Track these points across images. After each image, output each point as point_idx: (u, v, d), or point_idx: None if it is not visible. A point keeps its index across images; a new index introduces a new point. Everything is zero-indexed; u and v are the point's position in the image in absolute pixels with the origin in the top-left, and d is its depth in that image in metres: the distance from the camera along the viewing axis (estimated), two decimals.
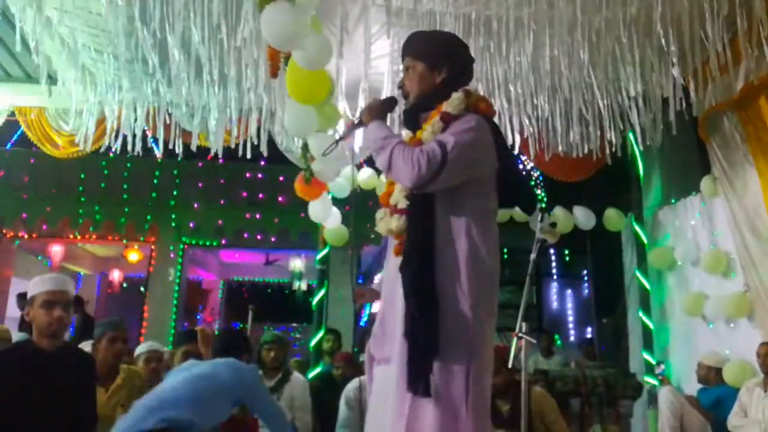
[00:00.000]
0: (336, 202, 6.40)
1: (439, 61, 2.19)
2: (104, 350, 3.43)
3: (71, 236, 9.77)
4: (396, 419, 1.93)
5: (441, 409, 1.87)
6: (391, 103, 2.25)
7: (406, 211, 2.08)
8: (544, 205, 8.69)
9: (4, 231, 9.61)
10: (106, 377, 3.41)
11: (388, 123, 2.44)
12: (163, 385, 2.93)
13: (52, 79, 5.50)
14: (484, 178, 2.08)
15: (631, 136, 6.67)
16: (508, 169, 2.14)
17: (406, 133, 2.28)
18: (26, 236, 9.73)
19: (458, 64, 2.22)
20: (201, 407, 2.76)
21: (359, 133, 2.42)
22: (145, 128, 6.10)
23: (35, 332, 2.75)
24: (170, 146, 6.06)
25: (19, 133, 7.82)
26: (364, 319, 11.35)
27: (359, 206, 5.96)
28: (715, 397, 5.02)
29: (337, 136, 4.51)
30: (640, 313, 6.82)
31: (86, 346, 4.25)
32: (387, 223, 2.14)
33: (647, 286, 6.88)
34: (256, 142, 5.87)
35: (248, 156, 5.88)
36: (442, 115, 2.09)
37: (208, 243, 9.86)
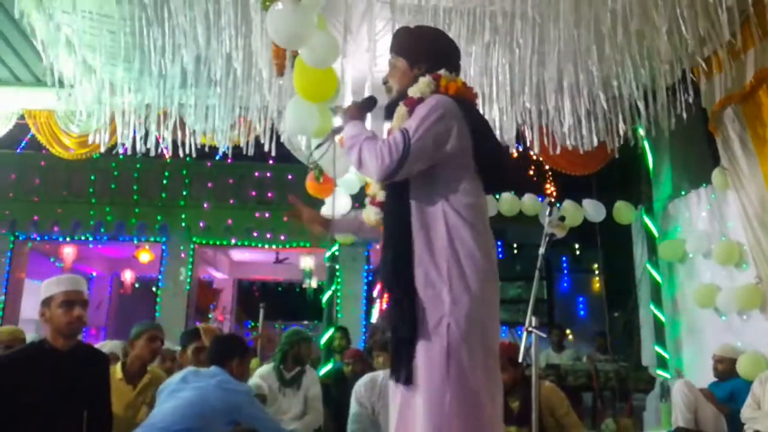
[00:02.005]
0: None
1: (419, 57, 2.19)
2: (142, 347, 3.56)
3: (83, 238, 9.85)
4: (394, 407, 2.00)
5: (425, 397, 1.88)
6: (369, 102, 2.27)
7: (381, 203, 2.14)
8: (552, 199, 8.67)
9: (16, 234, 9.70)
10: (136, 375, 3.54)
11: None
12: (153, 416, 2.96)
13: (60, 83, 5.55)
14: (458, 162, 2.04)
15: (639, 128, 6.64)
16: (487, 151, 2.10)
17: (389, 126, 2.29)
18: (38, 238, 9.82)
19: (440, 59, 2.20)
20: None
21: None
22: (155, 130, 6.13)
23: (51, 332, 2.79)
24: (179, 147, 6.09)
25: (29, 136, 7.88)
26: (374, 316, 11.37)
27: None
28: (729, 390, 4.99)
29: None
30: (652, 306, 6.79)
31: (106, 346, 4.31)
32: (366, 213, 2.22)
33: (658, 278, 6.84)
34: (263, 142, 5.89)
35: (256, 155, 5.90)
36: (406, 101, 2.11)
37: (218, 242, 9.91)
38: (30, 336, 4.40)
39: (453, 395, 1.85)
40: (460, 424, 1.85)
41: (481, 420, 1.90)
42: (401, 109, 2.11)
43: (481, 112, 5.41)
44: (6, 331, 4.35)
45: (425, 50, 2.20)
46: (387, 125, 2.32)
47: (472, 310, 1.92)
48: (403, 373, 1.92)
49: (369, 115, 2.31)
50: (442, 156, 2.01)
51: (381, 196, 2.15)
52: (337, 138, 2.32)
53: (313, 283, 11.86)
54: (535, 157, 7.87)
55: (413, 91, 2.11)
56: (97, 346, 4.04)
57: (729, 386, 5.03)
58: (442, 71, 2.15)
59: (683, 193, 6.78)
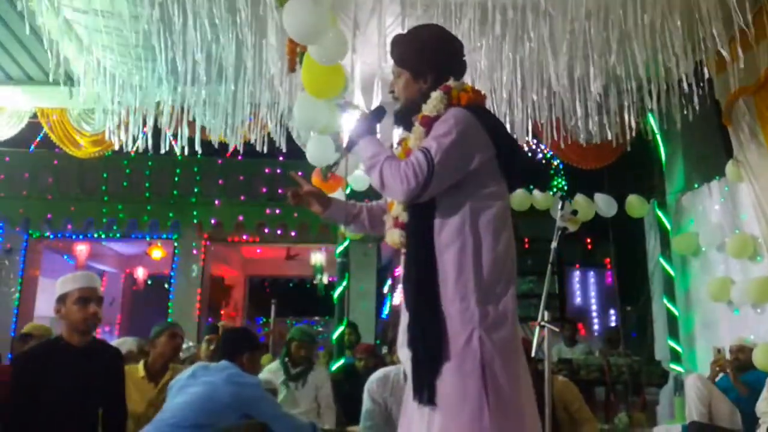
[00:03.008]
0: (356, 195, 6.41)
1: (423, 68, 2.15)
2: (164, 344, 3.62)
3: (95, 235, 9.93)
4: (416, 427, 1.94)
5: (461, 414, 1.82)
6: (378, 113, 2.22)
7: (405, 225, 2.07)
8: (564, 193, 8.63)
9: (30, 231, 9.80)
10: (158, 373, 3.59)
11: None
12: (163, 412, 2.94)
13: (72, 81, 5.58)
14: (482, 169, 2.01)
15: (651, 121, 6.59)
16: (508, 150, 2.08)
17: (400, 133, 2.27)
18: (52, 236, 9.91)
19: (445, 65, 2.17)
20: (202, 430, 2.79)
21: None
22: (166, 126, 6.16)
23: (66, 328, 2.82)
24: (190, 144, 6.12)
25: (41, 134, 7.95)
26: (386, 311, 11.39)
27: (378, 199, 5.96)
28: (746, 383, 4.94)
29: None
30: (665, 300, 6.75)
31: (125, 343, 4.34)
32: (390, 235, 2.14)
33: (671, 272, 6.80)
34: (274, 138, 5.91)
35: (266, 151, 5.92)
36: (422, 120, 2.08)
37: (229, 239, 9.95)
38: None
39: (492, 408, 1.81)
40: None
41: (521, 424, 1.88)
42: (418, 129, 2.08)
43: (492, 106, 5.43)
44: (41, 327, 4.45)
45: (428, 61, 2.15)
46: (396, 131, 2.31)
47: (502, 320, 1.90)
48: (427, 393, 1.87)
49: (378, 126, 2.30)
50: (469, 169, 1.99)
51: (404, 217, 2.08)
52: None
53: (324, 279, 11.89)
54: (546, 151, 7.84)
55: (428, 110, 2.07)
56: (115, 343, 4.09)
57: (746, 378, 4.98)
58: (450, 81, 2.12)
59: (696, 186, 6.73)
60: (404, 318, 2.03)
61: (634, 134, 5.79)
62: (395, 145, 2.27)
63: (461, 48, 2.26)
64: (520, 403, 1.88)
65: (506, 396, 1.84)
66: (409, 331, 1.96)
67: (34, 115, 7.15)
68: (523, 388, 1.92)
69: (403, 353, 2.02)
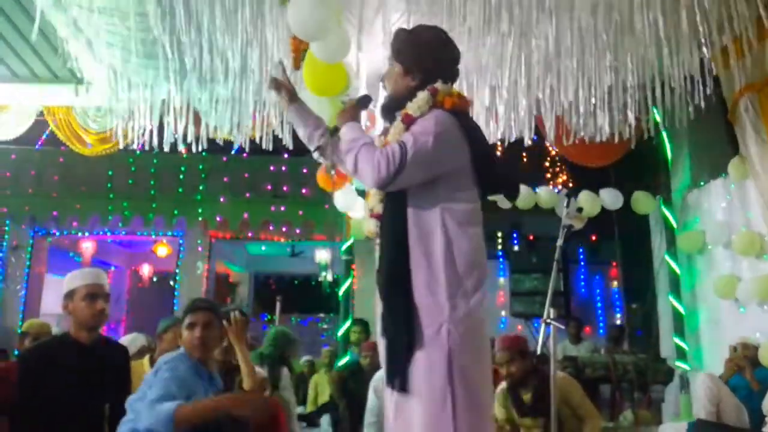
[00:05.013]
0: (362, 192, 6.42)
1: (414, 65, 2.21)
2: (170, 340, 3.59)
3: (101, 232, 9.97)
4: (389, 412, 2.05)
5: (426, 402, 1.91)
6: (364, 101, 2.30)
7: (380, 216, 2.17)
8: (569, 191, 8.60)
9: (36, 229, 9.84)
10: None
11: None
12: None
13: (78, 79, 5.59)
14: (456, 172, 2.09)
15: (657, 118, 6.56)
16: (484, 159, 2.14)
17: (383, 125, 2.33)
18: (58, 233, 9.95)
19: (435, 70, 2.21)
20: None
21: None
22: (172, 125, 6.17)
23: (74, 325, 2.84)
24: (195, 141, 6.12)
25: (48, 132, 7.98)
26: None
27: None
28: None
29: None
30: (671, 298, 6.73)
31: (137, 340, 4.35)
32: (368, 227, 2.26)
33: (677, 270, 6.78)
34: (280, 135, 5.91)
35: (271, 149, 5.92)
36: (404, 117, 2.14)
37: (234, 236, 9.98)
38: (54, 330, 4.48)
39: (455, 398, 1.89)
40: (462, 425, 1.90)
41: (483, 419, 1.98)
42: (399, 125, 2.14)
43: (497, 102, 5.42)
44: (35, 324, 4.45)
45: (421, 60, 2.21)
46: (382, 123, 2.37)
47: (471, 315, 1.98)
48: (399, 380, 1.96)
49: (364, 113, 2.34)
50: (440, 170, 2.06)
51: (379, 209, 2.18)
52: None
53: (329, 276, 11.90)
54: (550, 149, 7.81)
55: (412, 109, 2.13)
56: (125, 339, 4.10)
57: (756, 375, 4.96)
58: (438, 83, 2.17)
59: (702, 183, 6.70)
60: (378, 308, 2.12)
61: (639, 132, 5.76)
62: (379, 135, 2.32)
63: (457, 56, 2.32)
64: (481, 396, 1.99)
65: (470, 389, 1.93)
66: (382, 321, 2.06)
67: (41, 113, 7.17)
68: (486, 383, 2.04)
69: (380, 342, 2.12)
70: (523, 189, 7.09)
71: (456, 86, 2.29)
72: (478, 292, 2.01)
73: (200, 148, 6.11)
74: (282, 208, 9.68)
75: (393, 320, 2.01)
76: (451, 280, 1.98)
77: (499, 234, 12.71)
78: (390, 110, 2.27)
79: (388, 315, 2.03)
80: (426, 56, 2.22)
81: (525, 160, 8.85)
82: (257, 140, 6.12)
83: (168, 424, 2.38)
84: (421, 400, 1.92)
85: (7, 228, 9.72)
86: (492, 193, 2.24)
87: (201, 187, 9.83)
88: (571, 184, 9.20)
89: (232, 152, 6.48)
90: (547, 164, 9.56)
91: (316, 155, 2.35)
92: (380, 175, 1.99)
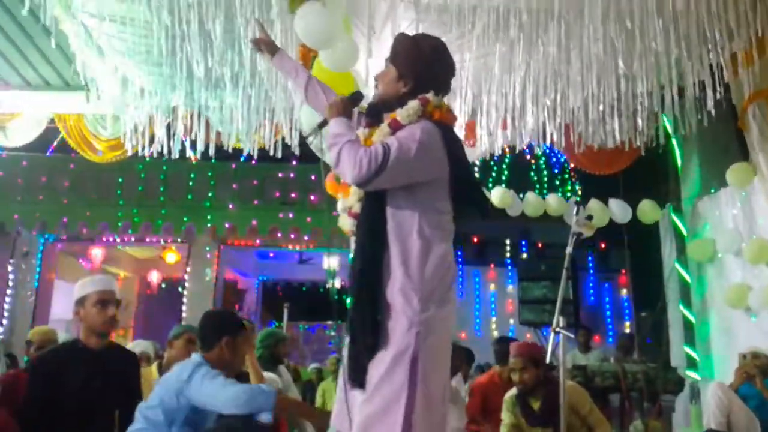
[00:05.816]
0: None
1: (408, 72, 2.23)
2: (180, 348, 3.63)
3: (111, 239, 10.02)
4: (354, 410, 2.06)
5: (382, 399, 1.94)
6: (355, 98, 2.32)
7: (357, 215, 2.20)
8: (578, 198, 8.58)
9: (46, 235, 9.90)
10: None
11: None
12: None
13: (89, 87, 5.64)
14: (435, 181, 2.12)
15: (667, 125, 6.54)
16: (460, 176, 2.17)
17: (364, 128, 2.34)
18: (67, 240, 10.01)
19: (430, 79, 2.23)
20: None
21: None
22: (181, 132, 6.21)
23: (84, 331, 2.85)
24: (204, 149, 6.16)
25: (58, 139, 8.04)
26: None
27: None
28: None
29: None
30: (681, 306, 6.68)
31: (139, 345, 4.36)
32: (343, 223, 2.30)
33: (687, 278, 6.73)
34: (289, 142, 5.93)
35: (280, 156, 5.94)
36: (392, 122, 2.16)
37: (243, 243, 10.00)
38: (62, 336, 4.48)
39: (412, 396, 1.92)
40: (415, 424, 1.92)
41: (435, 423, 1.99)
42: (385, 128, 2.17)
43: (506, 110, 5.42)
44: (39, 332, 4.42)
45: (416, 69, 2.22)
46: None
47: (440, 319, 2.02)
48: (360, 378, 1.99)
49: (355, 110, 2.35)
50: (418, 177, 2.09)
51: (357, 207, 2.21)
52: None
53: (337, 283, 11.90)
54: (559, 156, 7.80)
55: (401, 116, 2.15)
56: (129, 345, 4.11)
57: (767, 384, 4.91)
58: (430, 95, 2.18)
59: (712, 191, 6.66)
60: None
61: (649, 139, 5.74)
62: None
63: (452, 70, 2.34)
64: (436, 397, 2.00)
65: (428, 390, 1.96)
66: (348, 316, 2.09)
67: (52, 120, 7.24)
68: (444, 387, 2.05)
69: (344, 339, 2.16)
70: (532, 197, 7.07)
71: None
72: (449, 297, 2.06)
73: (209, 155, 6.15)
74: (290, 215, 9.70)
75: (360, 318, 2.03)
76: (426, 282, 2.01)
77: (508, 242, 12.70)
78: (376, 110, 2.30)
79: (354, 312, 2.06)
80: (421, 65, 2.23)
81: (534, 167, 8.83)
82: (266, 147, 6.15)
83: (268, 400, 2.45)
84: (377, 394, 1.94)
85: (17, 234, 9.80)
86: (462, 208, 2.25)
87: (210, 194, 9.87)
88: (580, 192, 9.17)
89: (241, 159, 6.51)
90: (556, 172, 9.54)
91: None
92: (361, 171, 2.01)
